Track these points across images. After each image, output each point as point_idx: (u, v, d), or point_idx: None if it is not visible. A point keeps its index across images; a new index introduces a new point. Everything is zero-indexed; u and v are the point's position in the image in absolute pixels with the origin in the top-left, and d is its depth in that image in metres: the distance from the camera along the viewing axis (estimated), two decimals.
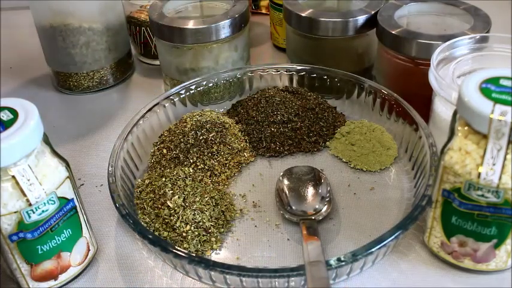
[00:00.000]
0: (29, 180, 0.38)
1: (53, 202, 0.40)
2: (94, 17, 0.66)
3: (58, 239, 0.41)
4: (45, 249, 0.41)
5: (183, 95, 0.60)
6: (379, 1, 0.63)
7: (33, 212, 0.39)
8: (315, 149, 0.57)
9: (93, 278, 0.45)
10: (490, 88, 0.38)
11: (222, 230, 0.48)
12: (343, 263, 0.40)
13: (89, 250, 0.45)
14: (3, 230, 0.39)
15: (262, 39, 0.82)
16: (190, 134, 0.55)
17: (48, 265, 0.42)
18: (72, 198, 0.42)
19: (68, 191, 0.41)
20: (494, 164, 0.37)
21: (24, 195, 0.38)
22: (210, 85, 0.62)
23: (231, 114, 0.61)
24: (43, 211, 0.39)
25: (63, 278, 0.43)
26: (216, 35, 0.61)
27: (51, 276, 0.43)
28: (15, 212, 0.38)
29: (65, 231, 0.42)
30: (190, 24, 0.60)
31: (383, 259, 0.45)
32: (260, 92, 0.61)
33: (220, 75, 0.62)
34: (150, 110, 0.57)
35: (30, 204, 0.38)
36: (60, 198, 0.40)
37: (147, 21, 0.69)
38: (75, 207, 0.42)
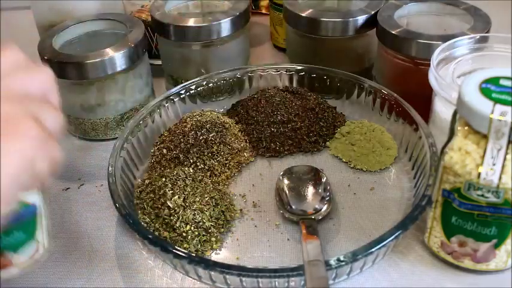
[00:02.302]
0: None
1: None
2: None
3: (6, 240, 0.38)
4: None
5: (183, 95, 0.60)
6: (379, 1, 0.63)
7: None
8: (315, 149, 0.57)
9: (93, 278, 0.45)
10: (490, 88, 0.38)
11: (222, 230, 0.48)
12: (343, 263, 0.40)
13: (37, 252, 0.43)
14: None
15: (262, 39, 0.82)
16: (190, 134, 0.55)
17: None
18: (34, 203, 0.39)
19: (30, 195, 0.38)
20: (494, 164, 0.37)
21: None
22: (210, 85, 0.62)
23: (231, 114, 0.61)
24: None
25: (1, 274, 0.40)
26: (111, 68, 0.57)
27: None
28: None
29: (15, 232, 0.38)
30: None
31: (383, 259, 0.45)
32: (260, 92, 0.61)
33: (220, 75, 0.62)
34: (150, 110, 0.57)
35: None
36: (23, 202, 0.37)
37: (148, 20, 0.69)
38: (35, 211, 0.39)
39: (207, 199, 0.49)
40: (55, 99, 0.35)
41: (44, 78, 0.35)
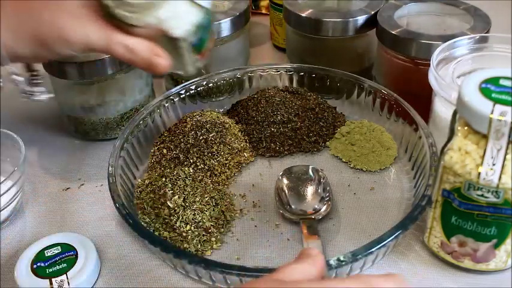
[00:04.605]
0: None
1: None
2: None
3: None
4: None
5: (183, 95, 0.60)
6: (379, 1, 0.63)
7: None
8: (315, 149, 0.57)
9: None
10: (490, 88, 0.38)
11: (222, 230, 0.48)
12: (343, 263, 0.40)
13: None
14: None
15: (262, 39, 0.82)
16: (190, 134, 0.55)
17: None
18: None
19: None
20: (494, 164, 0.37)
21: None
22: (210, 85, 0.62)
23: (231, 114, 0.61)
24: None
25: None
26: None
27: None
28: None
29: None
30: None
31: (383, 259, 0.45)
32: (260, 92, 0.61)
33: (220, 75, 0.62)
34: (150, 110, 0.57)
35: None
36: None
37: None
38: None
39: (207, 199, 0.49)
40: None
41: None
